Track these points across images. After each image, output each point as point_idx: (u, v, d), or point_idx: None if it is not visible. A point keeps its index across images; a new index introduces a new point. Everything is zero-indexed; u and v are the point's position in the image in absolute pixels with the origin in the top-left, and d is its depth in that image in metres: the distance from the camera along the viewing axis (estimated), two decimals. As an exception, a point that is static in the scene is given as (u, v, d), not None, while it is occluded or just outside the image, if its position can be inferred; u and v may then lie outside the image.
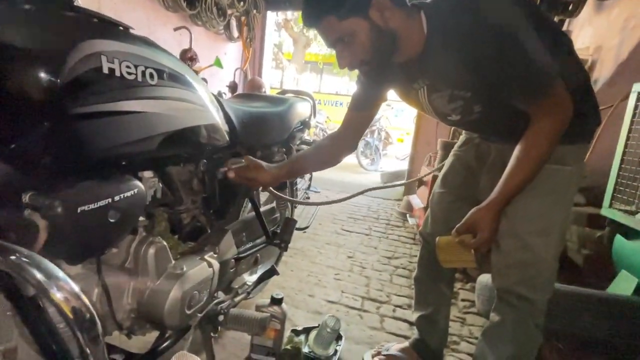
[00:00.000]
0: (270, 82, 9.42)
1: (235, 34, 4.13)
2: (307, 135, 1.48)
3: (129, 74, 0.49)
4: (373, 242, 2.46)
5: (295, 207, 1.52)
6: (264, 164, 0.92)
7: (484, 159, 1.00)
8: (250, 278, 1.29)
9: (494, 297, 0.92)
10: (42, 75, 0.41)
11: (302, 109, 1.32)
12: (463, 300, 1.75)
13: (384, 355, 1.22)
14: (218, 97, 0.87)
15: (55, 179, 0.46)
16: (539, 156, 0.76)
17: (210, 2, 3.38)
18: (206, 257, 0.82)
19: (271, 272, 1.11)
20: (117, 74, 0.48)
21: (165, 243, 0.71)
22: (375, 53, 0.76)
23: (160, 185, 0.66)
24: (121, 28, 0.55)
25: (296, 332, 1.24)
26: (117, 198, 0.52)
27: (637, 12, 1.66)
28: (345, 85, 10.27)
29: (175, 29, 2.78)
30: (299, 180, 1.48)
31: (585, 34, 2.13)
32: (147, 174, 0.62)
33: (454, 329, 1.47)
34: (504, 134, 0.89)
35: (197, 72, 2.92)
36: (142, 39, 0.56)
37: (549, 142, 0.75)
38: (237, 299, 0.99)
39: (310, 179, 1.58)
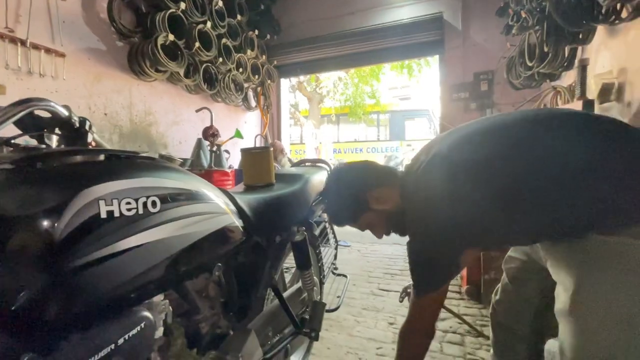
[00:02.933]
0: (291, 138, 9.84)
1: (253, 103, 4.42)
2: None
3: (129, 210, 0.48)
4: (414, 302, 2.25)
5: (324, 283, 1.43)
6: None
7: None
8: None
9: None
10: (39, 237, 0.40)
11: (318, 180, 1.30)
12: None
13: None
14: (229, 192, 0.86)
15: (55, 335, 0.43)
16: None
17: (228, 80, 3.69)
18: (228, 370, 0.74)
19: (303, 369, 1.00)
20: (117, 214, 0.47)
21: (181, 367, 0.65)
22: (392, 226, 0.92)
23: (171, 309, 0.62)
24: (124, 157, 0.56)
25: None
26: (120, 342, 0.48)
27: (657, 32, 1.58)
28: (362, 131, 10.49)
29: (197, 111, 3.01)
30: (324, 254, 1.41)
31: (604, 58, 2.04)
32: (157, 298, 0.59)
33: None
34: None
35: (219, 146, 3.08)
36: (146, 165, 0.56)
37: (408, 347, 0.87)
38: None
39: (336, 248, 1.50)
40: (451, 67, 3.89)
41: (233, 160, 3.66)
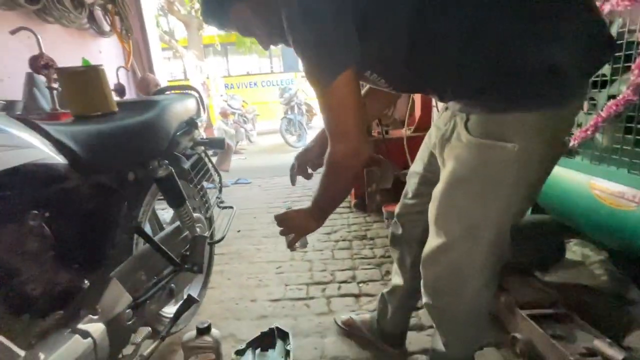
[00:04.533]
0: (172, 75, 8.50)
1: (106, 26, 3.51)
2: (214, 128, 1.29)
3: None
4: (311, 222, 2.43)
5: (211, 218, 1.37)
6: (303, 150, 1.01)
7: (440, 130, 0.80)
8: (173, 310, 1.13)
9: None
10: None
11: (182, 108, 1.13)
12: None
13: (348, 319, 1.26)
14: (39, 124, 0.66)
15: None
16: (332, 189, 0.77)
17: (57, -8, 2.77)
18: (80, 325, 0.66)
19: (189, 303, 0.98)
20: None
21: (-1, 337, 0.53)
22: (269, 27, 0.73)
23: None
24: None
25: (240, 352, 1.14)
26: None
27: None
28: (255, 64, 9.77)
29: (12, 32, 2.22)
30: (206, 185, 1.32)
31: None
32: None
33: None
34: (435, 90, 0.71)
35: (62, 82, 2.42)
36: None
37: (335, 177, 0.73)
38: (149, 349, 0.85)
39: (220, 181, 1.43)
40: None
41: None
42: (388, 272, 1.68)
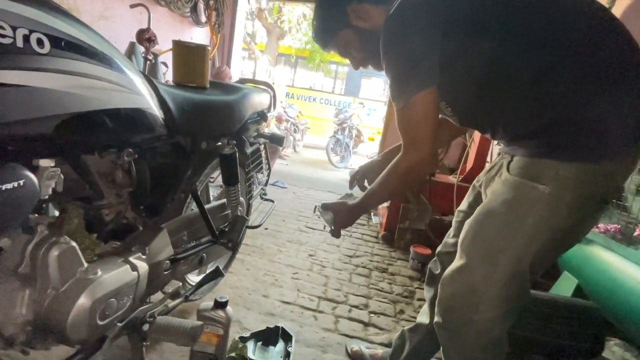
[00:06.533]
0: (243, 72, 9.12)
1: (203, 18, 3.92)
2: (266, 128, 1.39)
3: (2, 36, 0.39)
4: (336, 240, 2.43)
5: (251, 205, 1.44)
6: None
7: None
8: (196, 279, 1.20)
9: None
10: None
11: (258, 100, 1.24)
12: (420, 299, 1.77)
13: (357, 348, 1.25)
14: (152, 79, 0.77)
15: None
16: (389, 189, 0.81)
17: (174, -19, 3.17)
18: (131, 258, 0.73)
19: (215, 274, 1.03)
20: (-18, 34, 0.38)
21: (74, 244, 0.61)
22: (369, 49, 0.82)
23: (62, 176, 0.55)
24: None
25: (243, 339, 1.17)
26: (-12, 191, 0.42)
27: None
28: (319, 80, 10.19)
29: (132, 6, 2.56)
30: (255, 179, 1.40)
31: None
32: (45, 162, 0.52)
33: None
34: (489, 129, 0.76)
35: (156, 55, 2.72)
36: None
37: (398, 180, 0.78)
38: (172, 303, 0.90)
39: (269, 175, 1.51)
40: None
41: (171, 76, 3.29)
42: (402, 311, 1.63)
